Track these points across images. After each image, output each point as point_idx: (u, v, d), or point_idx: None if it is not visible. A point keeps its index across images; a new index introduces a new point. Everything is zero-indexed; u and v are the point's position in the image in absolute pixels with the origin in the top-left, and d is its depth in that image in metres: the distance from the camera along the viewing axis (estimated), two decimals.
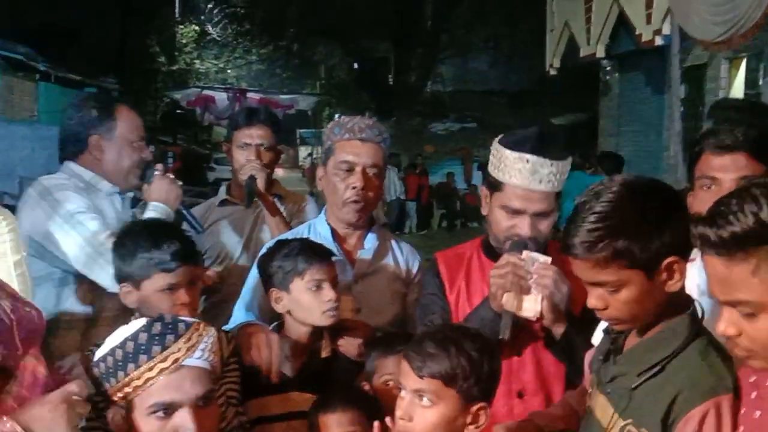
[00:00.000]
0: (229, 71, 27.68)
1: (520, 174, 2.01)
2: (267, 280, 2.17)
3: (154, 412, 1.52)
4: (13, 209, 5.55)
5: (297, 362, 2.13)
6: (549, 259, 1.99)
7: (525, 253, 2.00)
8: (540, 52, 12.22)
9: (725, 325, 1.28)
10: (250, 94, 21.48)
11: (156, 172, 2.65)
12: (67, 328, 2.51)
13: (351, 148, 2.37)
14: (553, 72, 11.99)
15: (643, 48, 9.13)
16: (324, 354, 2.15)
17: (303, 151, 37.83)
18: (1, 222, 2.47)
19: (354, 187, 2.34)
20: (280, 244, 2.20)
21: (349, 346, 2.16)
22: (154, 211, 2.55)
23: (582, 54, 10.82)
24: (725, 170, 1.91)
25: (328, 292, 2.08)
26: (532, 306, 1.97)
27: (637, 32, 9.02)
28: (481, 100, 19.33)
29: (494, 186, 2.10)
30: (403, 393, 1.69)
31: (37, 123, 11.14)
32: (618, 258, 1.46)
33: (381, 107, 22.70)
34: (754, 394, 1.39)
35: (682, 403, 1.45)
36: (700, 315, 1.56)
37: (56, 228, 2.45)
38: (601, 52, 10.51)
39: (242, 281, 2.70)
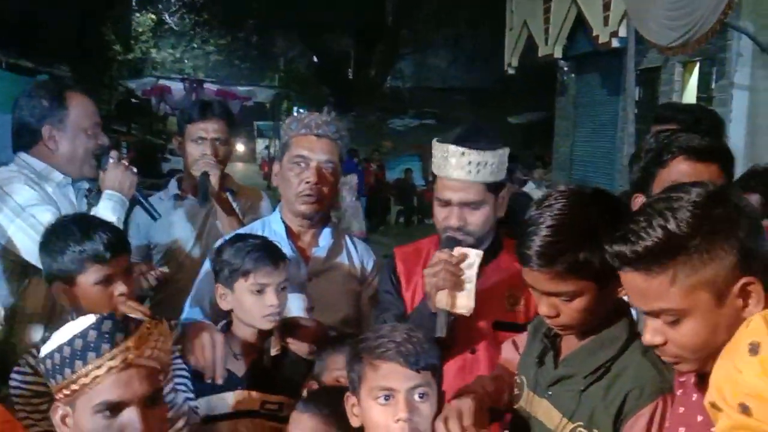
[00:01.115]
0: (186, 61, 27.31)
1: (445, 164, 2.06)
2: (215, 274, 2.14)
3: (101, 411, 1.48)
4: None
5: (245, 360, 2.10)
6: (480, 253, 2.00)
7: (456, 249, 2.00)
8: (499, 51, 12.31)
9: (651, 335, 1.32)
10: (207, 85, 21.17)
11: (111, 160, 2.57)
12: (29, 321, 2.44)
13: (307, 143, 2.35)
14: (511, 71, 12.08)
15: (600, 49, 9.25)
16: (273, 352, 2.12)
17: (260, 144, 37.58)
18: None
19: (308, 182, 2.32)
20: (235, 239, 2.17)
21: (300, 344, 2.13)
22: (108, 199, 2.49)
23: (540, 54, 10.92)
24: (699, 178, 1.89)
25: (271, 297, 2.05)
26: (465, 303, 1.98)
27: (594, 33, 9.14)
28: (440, 96, 19.41)
29: (433, 181, 2.16)
30: (392, 396, 1.62)
31: None
32: (576, 270, 1.48)
33: (340, 102, 22.63)
34: (680, 392, 1.43)
35: (633, 401, 1.49)
36: (635, 318, 1.61)
37: (7, 222, 2.38)
38: (558, 53, 10.63)
39: (194, 275, 2.67)
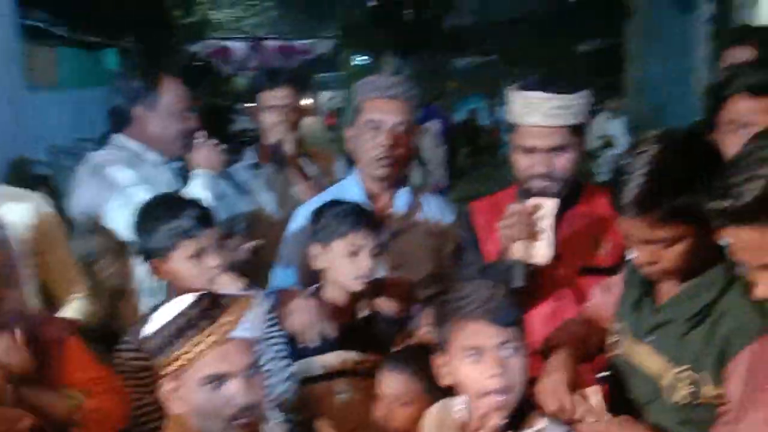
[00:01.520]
0: (245, 19, 27.37)
1: (526, 111, 2.05)
2: (312, 234, 2.19)
3: (206, 383, 1.57)
4: (45, 178, 5.62)
5: (337, 322, 2.17)
6: (556, 202, 2.00)
7: (532, 200, 2.02)
8: None
9: (764, 289, 1.28)
10: (267, 42, 21.29)
11: (197, 140, 2.65)
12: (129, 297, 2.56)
13: (378, 105, 2.37)
14: None
15: None
16: (364, 313, 2.19)
17: (324, 96, 37.67)
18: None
19: (383, 145, 2.34)
20: (333, 203, 2.22)
21: (389, 304, 2.19)
22: (199, 177, 2.58)
23: None
24: (761, 116, 1.82)
25: (364, 260, 2.11)
26: (542, 252, 2.00)
27: None
28: (502, 30, 18.95)
29: (511, 130, 2.15)
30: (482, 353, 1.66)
31: (58, 89, 11.19)
32: (674, 215, 1.48)
33: (400, 46, 22.35)
34: None
35: (736, 342, 1.49)
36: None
37: (110, 203, 2.51)
38: None
39: (278, 242, 2.75)
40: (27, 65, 9.78)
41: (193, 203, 2.17)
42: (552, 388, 1.67)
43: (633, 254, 1.64)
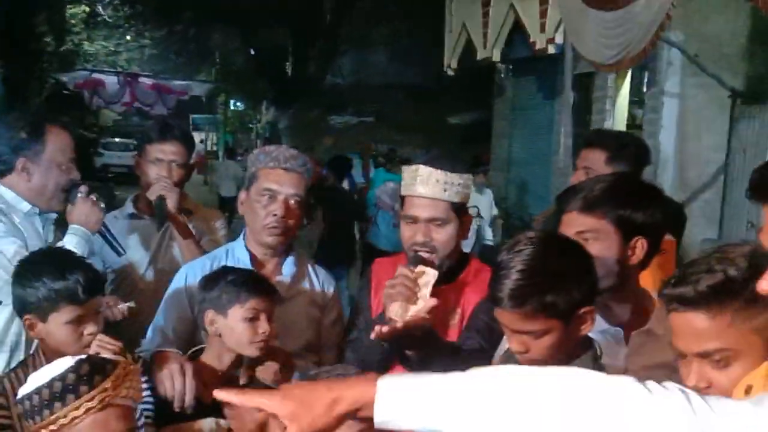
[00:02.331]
0: (120, 54, 26.71)
1: (413, 183, 2.21)
2: (204, 301, 2.19)
3: None
4: None
5: (215, 388, 2.16)
6: (436, 273, 2.13)
7: (419, 267, 2.14)
8: (438, 50, 12.43)
9: (696, 379, 1.40)
10: (142, 79, 20.85)
11: (79, 194, 2.58)
12: None
13: (275, 176, 2.42)
14: (450, 72, 12.25)
15: (537, 55, 9.49)
16: (242, 381, 2.19)
17: (196, 137, 37.01)
18: None
19: (275, 215, 2.39)
20: (227, 270, 2.23)
21: (267, 372, 2.21)
22: (74, 234, 2.51)
23: (479, 57, 11.11)
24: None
25: (263, 325, 2.13)
26: (404, 314, 2.08)
27: (531, 39, 9.36)
28: (379, 94, 19.49)
29: (401, 203, 2.29)
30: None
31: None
32: (543, 310, 1.61)
33: (279, 97, 22.48)
34: None
35: None
36: (599, 352, 1.75)
37: None
38: (497, 56, 10.82)
39: (148, 298, 2.71)
40: None
41: (84, 266, 2.10)
42: None
43: (505, 343, 1.76)
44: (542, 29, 8.97)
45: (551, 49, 8.77)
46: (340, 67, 22.31)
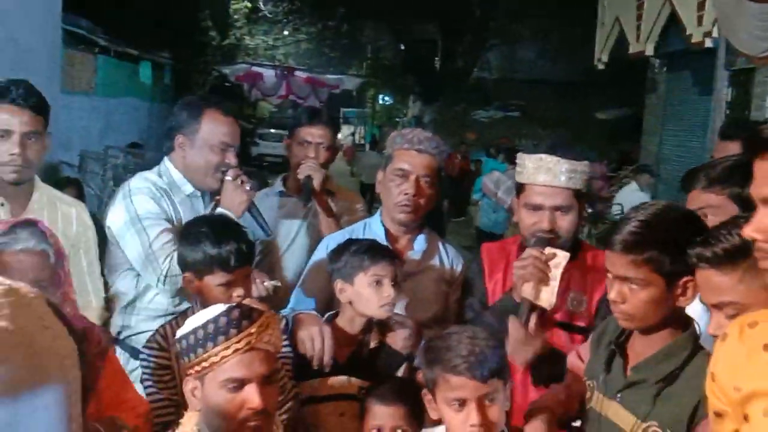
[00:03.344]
0: (278, 48, 27.90)
1: (537, 172, 2.29)
2: (334, 271, 2.38)
3: (226, 386, 1.72)
4: (74, 181, 5.84)
5: (348, 350, 2.36)
6: (567, 255, 2.22)
7: (547, 249, 2.23)
8: (588, 45, 12.18)
9: (714, 327, 1.58)
10: (297, 72, 21.65)
11: (227, 178, 2.71)
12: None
13: (407, 157, 2.58)
14: (600, 66, 11.97)
15: (693, 48, 9.12)
16: (372, 344, 2.37)
17: (345, 130, 38.07)
18: (82, 215, 2.72)
19: (406, 194, 2.55)
20: (351, 242, 2.41)
21: (396, 339, 2.37)
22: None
23: (631, 50, 10.80)
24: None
25: (387, 288, 2.29)
26: (547, 297, 2.22)
27: (687, 32, 9.01)
28: (526, 89, 19.27)
29: (519, 190, 2.38)
30: (464, 403, 1.84)
31: (94, 95, 11.51)
32: (649, 262, 1.72)
33: (426, 91, 22.73)
34: None
35: (702, 409, 1.66)
36: (698, 332, 1.82)
37: (125, 228, 2.66)
38: (650, 50, 10.47)
39: (292, 270, 2.96)
40: (66, 70, 10.14)
41: (239, 236, 2.31)
42: None
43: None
44: (699, 22, 8.60)
45: (708, 43, 8.40)
46: (487, 62, 22.24)
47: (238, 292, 2.24)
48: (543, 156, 2.28)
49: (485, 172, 9.85)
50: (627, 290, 1.77)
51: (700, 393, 1.65)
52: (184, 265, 2.33)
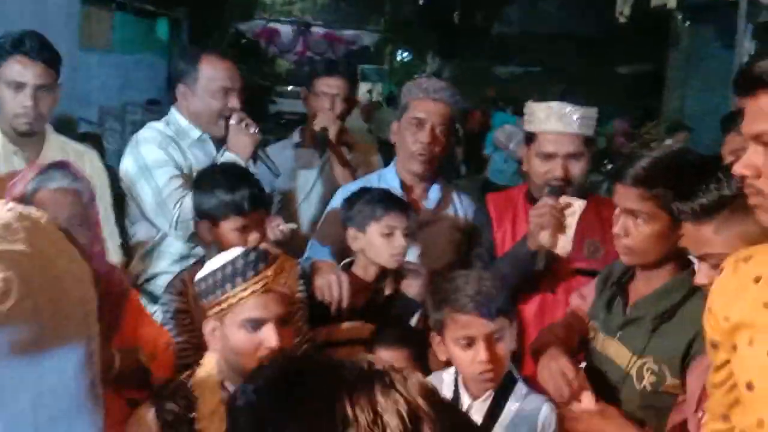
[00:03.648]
0: (294, 4, 27.66)
1: (548, 120, 2.30)
2: (347, 220, 2.41)
3: (244, 326, 1.77)
4: (93, 136, 5.89)
5: (363, 297, 2.39)
6: (583, 203, 2.23)
7: (562, 198, 2.25)
8: None
9: (700, 277, 1.63)
10: (314, 29, 21.49)
11: (231, 122, 2.72)
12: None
13: (423, 105, 2.58)
14: (622, 19, 11.78)
15: (716, 1, 8.95)
16: (387, 291, 2.40)
17: (363, 87, 37.77)
18: (94, 162, 2.75)
19: (422, 142, 2.56)
20: (365, 191, 2.43)
21: (411, 286, 2.41)
22: (225, 160, 2.68)
23: (653, 3, 10.62)
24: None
25: (399, 239, 2.32)
26: (563, 244, 2.25)
27: None
28: (547, 44, 18.95)
29: (529, 139, 2.39)
30: (473, 341, 1.90)
31: (111, 52, 11.51)
32: (656, 197, 1.76)
33: (445, 47, 22.47)
34: None
35: (700, 343, 1.68)
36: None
37: (135, 178, 2.69)
38: (672, 3, 10.30)
39: (309, 219, 3.00)
40: (83, 27, 10.14)
41: (251, 180, 2.35)
42: (551, 375, 1.89)
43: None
44: None
45: None
46: (507, 17, 21.89)
47: (254, 236, 2.27)
48: (553, 104, 2.28)
49: (495, 126, 9.96)
50: (631, 224, 1.81)
51: (695, 330, 1.71)
52: (199, 212, 2.36)
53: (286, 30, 20.83)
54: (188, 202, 2.52)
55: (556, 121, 2.28)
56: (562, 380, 1.83)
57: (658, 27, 12.19)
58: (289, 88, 25.37)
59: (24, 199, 2.03)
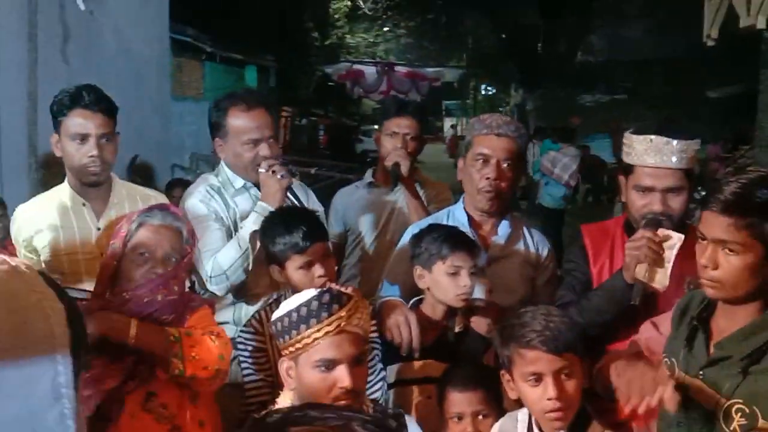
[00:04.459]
0: (378, 45, 28.18)
1: (646, 153, 2.23)
2: (414, 257, 2.43)
3: (318, 366, 1.80)
4: (182, 182, 6.13)
5: (433, 334, 2.40)
6: (682, 237, 2.16)
7: (660, 230, 2.19)
8: (696, 21, 11.65)
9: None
10: (398, 68, 21.77)
11: (261, 170, 2.70)
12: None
13: (487, 141, 2.58)
14: (710, 42, 11.42)
15: None
16: (457, 329, 2.40)
17: (447, 122, 37.95)
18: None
19: (488, 178, 2.56)
20: (431, 228, 2.45)
21: (481, 323, 2.40)
22: (254, 211, 2.67)
23: (741, 24, 10.27)
24: None
25: (464, 279, 2.32)
26: (661, 279, 2.17)
27: None
28: (633, 70, 18.59)
29: (627, 171, 2.33)
30: (541, 378, 1.87)
31: (203, 100, 12.01)
32: (750, 227, 1.64)
33: (528, 78, 22.36)
34: None
35: None
36: None
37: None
38: (762, 23, 9.91)
39: (380, 255, 3.05)
40: (175, 77, 10.63)
41: (307, 217, 2.42)
42: (635, 382, 1.79)
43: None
44: None
45: None
46: (591, 44, 21.63)
47: (318, 272, 2.31)
48: (653, 137, 2.23)
49: (542, 153, 10.21)
50: (721, 255, 1.70)
51: None
52: (268, 257, 2.44)
53: (370, 71, 21.16)
54: (222, 257, 2.59)
55: (654, 155, 2.22)
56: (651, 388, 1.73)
57: (748, 48, 11.77)
58: (375, 126, 25.77)
59: (128, 236, 2.23)
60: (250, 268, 2.63)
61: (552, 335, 1.86)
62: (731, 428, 1.70)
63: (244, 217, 2.70)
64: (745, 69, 12.37)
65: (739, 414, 1.69)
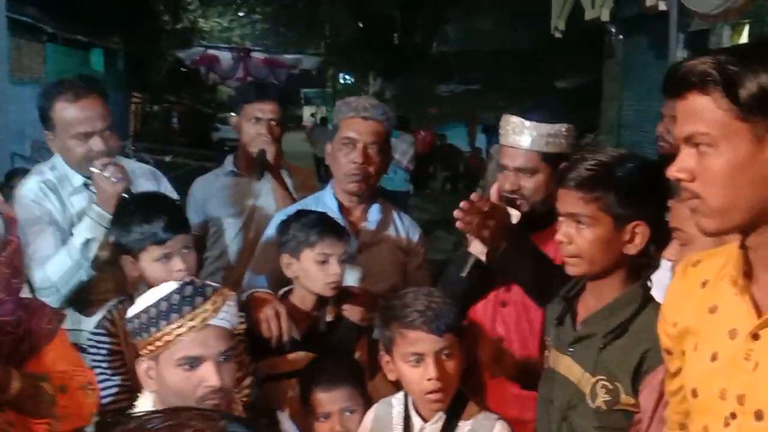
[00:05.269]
0: (233, 30, 27.57)
1: (506, 133, 2.27)
2: (281, 245, 2.32)
3: (182, 364, 1.67)
4: (26, 172, 5.71)
5: (304, 325, 2.30)
6: (518, 214, 2.20)
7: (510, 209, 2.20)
8: (546, 13, 12.17)
9: (669, 253, 1.69)
10: (254, 54, 21.38)
11: (92, 169, 2.47)
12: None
13: (354, 125, 2.52)
14: (558, 34, 11.96)
15: (648, 12, 9.14)
16: (329, 318, 2.32)
17: (307, 111, 37.76)
18: None
19: (355, 162, 2.49)
20: (299, 214, 2.34)
21: (353, 311, 2.33)
22: (87, 216, 2.47)
23: (587, 17, 10.81)
24: None
25: (334, 267, 2.24)
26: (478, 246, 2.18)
27: None
28: (486, 60, 19.24)
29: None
30: (422, 358, 1.87)
31: (44, 84, 11.25)
32: (598, 200, 1.73)
33: (386, 68, 22.61)
34: None
35: (652, 358, 1.66)
36: (649, 284, 1.80)
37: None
38: (606, 16, 10.48)
39: (243, 250, 2.93)
40: (14, 59, 9.87)
41: (168, 206, 2.23)
42: None
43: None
44: None
45: (662, 6, 8.42)
46: (447, 35, 22.17)
47: (178, 266, 2.14)
48: (510, 117, 2.26)
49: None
50: (574, 230, 1.77)
51: (647, 344, 1.67)
52: (119, 247, 2.23)
53: (226, 56, 20.65)
54: (51, 267, 2.41)
55: (512, 135, 2.25)
56: None
57: (593, 40, 12.44)
58: (232, 114, 25.15)
59: None
60: (85, 278, 2.44)
61: (434, 315, 1.86)
62: (596, 404, 1.74)
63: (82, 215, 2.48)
64: (591, 60, 13.08)
65: (603, 390, 1.73)
